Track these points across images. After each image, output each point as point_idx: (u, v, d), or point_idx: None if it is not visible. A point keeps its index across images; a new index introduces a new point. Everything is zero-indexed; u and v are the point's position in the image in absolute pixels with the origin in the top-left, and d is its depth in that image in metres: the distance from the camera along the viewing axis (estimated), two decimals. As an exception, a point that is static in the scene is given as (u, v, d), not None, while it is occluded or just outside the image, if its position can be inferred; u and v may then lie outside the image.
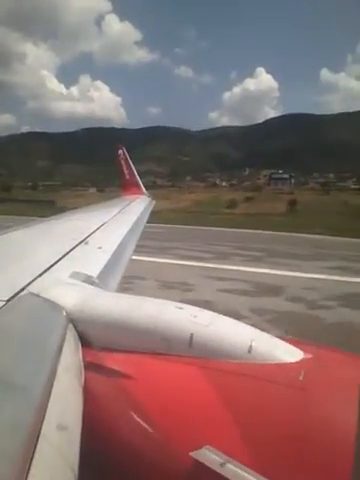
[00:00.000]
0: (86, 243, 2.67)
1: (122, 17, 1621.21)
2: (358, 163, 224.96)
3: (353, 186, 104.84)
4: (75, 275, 1.68)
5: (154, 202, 10.22)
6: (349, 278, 13.86)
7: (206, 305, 1.97)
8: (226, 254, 18.67)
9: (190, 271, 14.53)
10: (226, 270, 14.73)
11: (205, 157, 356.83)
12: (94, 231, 3.29)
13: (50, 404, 0.85)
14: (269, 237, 27.48)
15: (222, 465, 0.86)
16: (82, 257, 2.27)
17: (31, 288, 1.45)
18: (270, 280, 13.21)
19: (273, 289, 12.04)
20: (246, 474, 0.85)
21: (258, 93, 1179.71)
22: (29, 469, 0.69)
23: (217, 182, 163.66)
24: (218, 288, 11.90)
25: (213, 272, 14.29)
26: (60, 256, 2.08)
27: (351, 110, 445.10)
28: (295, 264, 16.43)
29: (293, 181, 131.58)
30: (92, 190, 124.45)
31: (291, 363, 1.05)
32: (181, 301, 1.32)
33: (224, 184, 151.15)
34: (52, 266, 1.85)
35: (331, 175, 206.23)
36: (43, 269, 1.74)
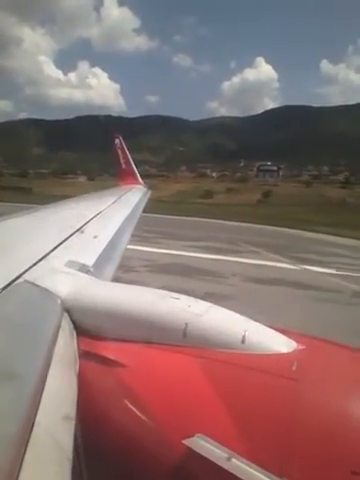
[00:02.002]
0: (82, 232, 2.67)
1: (121, 3, 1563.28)
2: (353, 156, 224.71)
3: (342, 180, 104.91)
4: (70, 264, 1.68)
5: (150, 192, 10.24)
6: (200, 254, 16.46)
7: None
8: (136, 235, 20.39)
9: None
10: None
11: (201, 147, 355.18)
12: (90, 220, 3.31)
13: (45, 392, 0.85)
14: (199, 224, 30.35)
15: (214, 453, 0.88)
16: (78, 246, 2.27)
17: (26, 276, 1.44)
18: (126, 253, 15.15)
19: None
20: (238, 462, 0.86)
21: (257, 84, 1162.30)
22: (24, 456, 0.68)
23: (207, 173, 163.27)
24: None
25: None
26: (56, 245, 2.08)
27: (350, 103, 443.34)
28: (169, 243, 18.79)
29: (281, 173, 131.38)
30: (82, 178, 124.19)
31: (284, 353, 1.06)
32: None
33: (214, 175, 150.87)
34: (47, 255, 1.84)
35: (325, 168, 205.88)
36: (38, 258, 1.73)
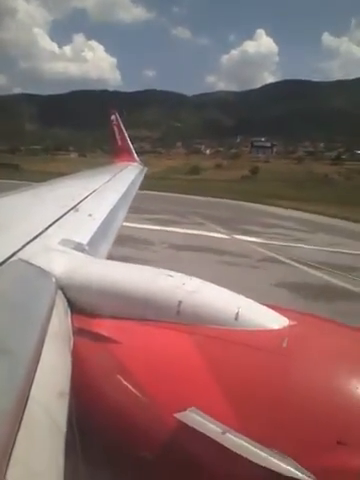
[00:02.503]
0: (76, 210, 2.66)
1: None
2: (350, 133, 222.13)
3: (333, 156, 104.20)
4: (65, 242, 1.68)
5: (146, 169, 10.05)
6: (146, 226, 16.42)
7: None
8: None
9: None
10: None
11: (198, 123, 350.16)
12: (85, 198, 3.27)
13: (39, 368, 0.86)
14: (169, 199, 30.07)
15: (207, 427, 0.89)
16: (72, 224, 2.26)
17: (21, 254, 1.45)
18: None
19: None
20: (230, 435, 0.88)
21: (257, 57, 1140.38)
22: (18, 431, 0.69)
23: (202, 149, 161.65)
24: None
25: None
26: (50, 223, 2.08)
27: (350, 77, 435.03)
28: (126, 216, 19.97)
29: (275, 149, 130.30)
30: (73, 155, 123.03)
31: (276, 330, 1.08)
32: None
33: (208, 151, 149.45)
34: (42, 233, 1.84)
35: (321, 144, 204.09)
36: (33, 236, 1.73)
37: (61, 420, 0.80)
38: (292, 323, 1.11)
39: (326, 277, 11.52)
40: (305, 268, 12.29)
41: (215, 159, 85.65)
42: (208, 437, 0.87)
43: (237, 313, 1.10)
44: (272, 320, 1.11)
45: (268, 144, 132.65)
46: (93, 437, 1.04)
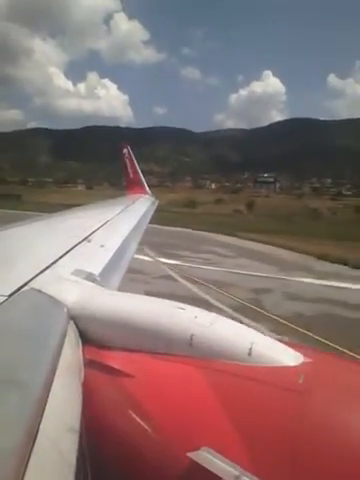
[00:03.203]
0: (89, 241, 2.68)
1: (131, 16, 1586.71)
2: (356, 169, 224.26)
3: (334, 192, 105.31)
4: (77, 272, 1.69)
5: (157, 201, 10.31)
6: None
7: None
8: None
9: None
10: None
11: (207, 159, 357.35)
12: (97, 229, 3.30)
13: (49, 400, 0.85)
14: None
15: (220, 467, 0.86)
16: (84, 255, 2.27)
17: (33, 284, 1.45)
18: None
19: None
20: (244, 477, 0.85)
21: (265, 96, 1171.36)
22: (27, 464, 0.68)
23: (207, 184, 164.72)
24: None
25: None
26: (62, 253, 2.08)
27: (356, 116, 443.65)
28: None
29: (278, 185, 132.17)
30: (81, 187, 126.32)
31: (291, 366, 1.05)
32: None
33: (213, 186, 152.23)
34: (54, 263, 1.85)
35: (328, 180, 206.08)
36: (45, 265, 1.74)
37: (71, 455, 0.78)
38: (307, 360, 1.08)
39: (195, 289, 13.93)
40: (187, 283, 14.88)
41: (217, 193, 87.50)
42: (221, 478, 0.85)
43: (250, 348, 1.07)
44: (287, 356, 1.08)
45: (271, 179, 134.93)
46: (103, 473, 1.01)
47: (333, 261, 19.79)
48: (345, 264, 18.94)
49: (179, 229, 33.51)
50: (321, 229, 31.77)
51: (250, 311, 12.28)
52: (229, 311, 11.72)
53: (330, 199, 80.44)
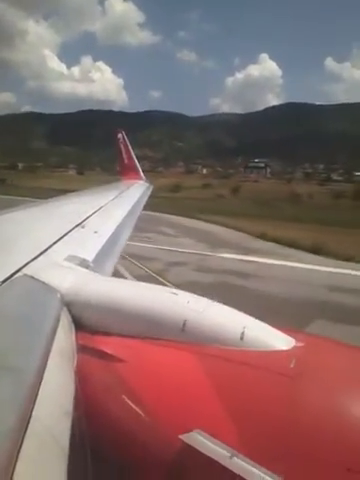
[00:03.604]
0: (82, 227, 2.68)
1: None
2: (351, 154, 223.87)
3: (323, 178, 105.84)
4: (71, 258, 1.68)
5: (152, 187, 10.18)
6: None
7: None
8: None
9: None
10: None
11: (201, 144, 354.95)
12: (91, 215, 3.28)
13: (42, 386, 0.86)
14: None
15: (212, 449, 0.87)
16: (78, 241, 2.26)
17: (26, 270, 1.45)
18: None
19: None
20: (235, 458, 0.86)
21: (261, 80, 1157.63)
22: (20, 448, 0.68)
23: (199, 169, 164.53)
24: None
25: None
26: (56, 239, 2.08)
27: (351, 101, 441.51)
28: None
29: (269, 170, 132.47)
30: (71, 172, 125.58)
31: (283, 351, 1.06)
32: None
33: (204, 171, 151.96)
34: (48, 249, 1.84)
35: (321, 166, 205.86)
36: (39, 251, 1.74)
37: (64, 438, 0.79)
38: (299, 344, 1.09)
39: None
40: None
41: (207, 178, 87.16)
42: (213, 460, 0.85)
43: (243, 333, 1.08)
44: (278, 341, 1.09)
45: (262, 165, 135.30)
46: (96, 457, 1.01)
47: (268, 240, 20.33)
48: (278, 243, 19.50)
49: (149, 212, 33.22)
50: (291, 212, 32.06)
51: (151, 279, 12.60)
52: (130, 277, 11.73)
53: (318, 184, 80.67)
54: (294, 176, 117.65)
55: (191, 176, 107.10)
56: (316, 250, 17.08)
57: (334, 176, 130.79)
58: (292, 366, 1.00)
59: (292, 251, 17.92)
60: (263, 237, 21.01)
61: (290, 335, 1.13)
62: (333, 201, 45.75)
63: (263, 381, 0.99)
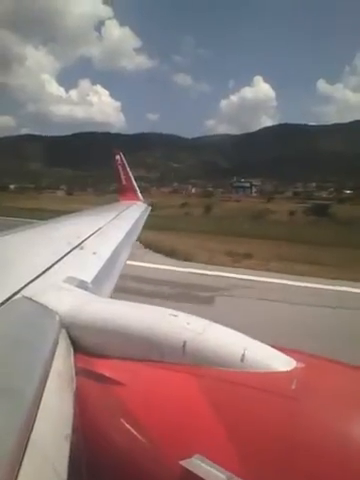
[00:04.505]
0: (81, 248, 2.67)
1: (122, 23, 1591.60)
2: (343, 173, 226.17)
3: (306, 195, 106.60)
4: (69, 280, 1.68)
5: (150, 208, 10.15)
6: None
7: None
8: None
9: None
10: None
11: (196, 164, 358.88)
12: (89, 236, 3.29)
13: (41, 409, 0.85)
14: None
15: (213, 475, 0.86)
16: (77, 262, 2.27)
17: (25, 292, 1.45)
18: None
19: None
20: None
21: (255, 102, 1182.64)
22: (18, 473, 0.67)
23: (188, 189, 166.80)
24: None
25: None
26: (55, 260, 2.08)
27: (344, 121, 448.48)
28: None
29: (254, 189, 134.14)
30: (60, 193, 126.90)
31: (284, 372, 1.05)
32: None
33: (193, 191, 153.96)
34: (47, 270, 1.84)
35: (313, 184, 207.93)
36: (37, 273, 1.74)
37: (62, 465, 0.78)
38: (300, 365, 1.08)
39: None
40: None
41: (190, 198, 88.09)
42: None
43: (243, 355, 1.07)
44: (279, 362, 1.08)
45: (247, 184, 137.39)
46: None
47: (158, 251, 19.98)
48: (164, 252, 19.33)
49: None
50: (243, 228, 32.52)
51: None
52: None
53: (297, 202, 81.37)
54: (284, 195, 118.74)
55: (176, 195, 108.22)
56: (172, 254, 18.21)
57: (324, 194, 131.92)
58: (293, 387, 0.98)
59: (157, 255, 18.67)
60: (154, 247, 20.68)
61: (290, 355, 1.11)
62: (289, 217, 46.33)
63: (264, 403, 0.97)
